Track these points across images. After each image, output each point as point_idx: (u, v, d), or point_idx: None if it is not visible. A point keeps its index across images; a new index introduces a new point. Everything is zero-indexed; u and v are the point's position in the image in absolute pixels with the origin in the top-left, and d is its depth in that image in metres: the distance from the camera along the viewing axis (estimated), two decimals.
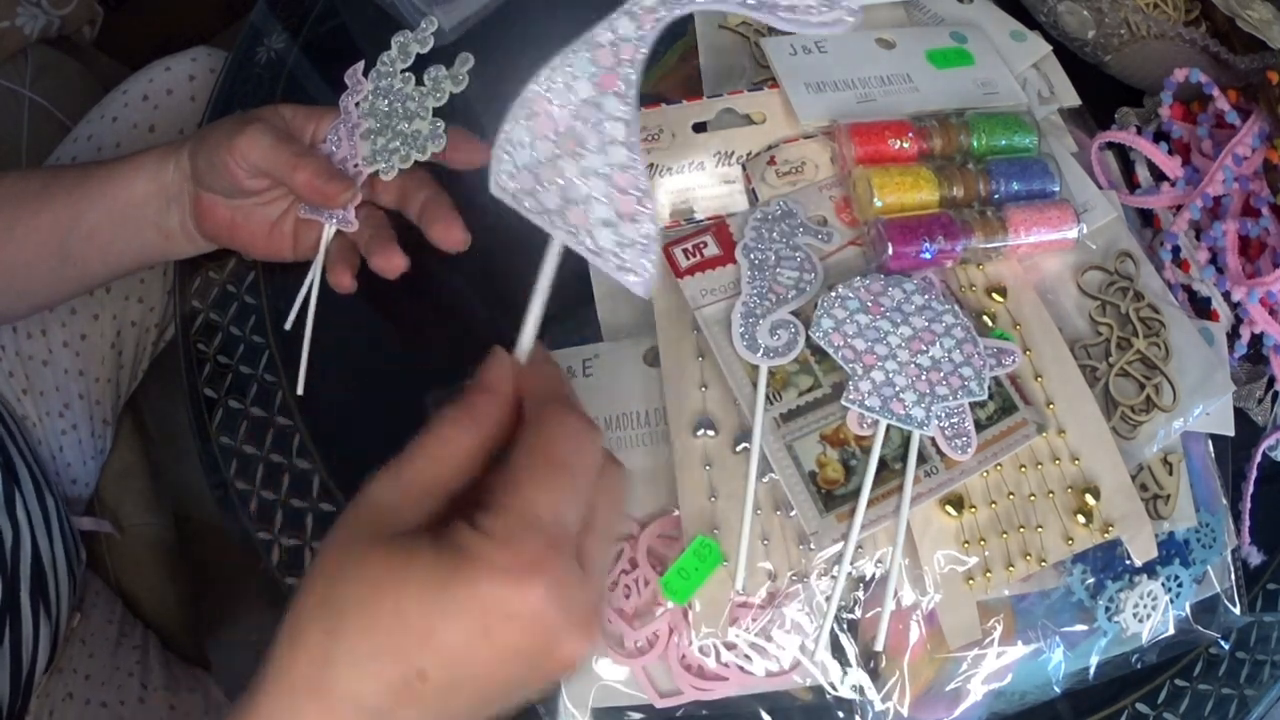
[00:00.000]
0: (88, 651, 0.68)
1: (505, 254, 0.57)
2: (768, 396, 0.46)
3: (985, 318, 0.49)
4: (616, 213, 0.38)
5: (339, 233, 0.53)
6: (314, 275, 0.53)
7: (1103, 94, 0.58)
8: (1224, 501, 0.49)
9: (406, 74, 0.52)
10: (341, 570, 0.33)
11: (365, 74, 0.53)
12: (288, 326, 0.53)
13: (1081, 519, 0.46)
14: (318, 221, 0.53)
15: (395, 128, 0.51)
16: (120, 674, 0.68)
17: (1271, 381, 0.53)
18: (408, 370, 0.55)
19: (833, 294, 0.46)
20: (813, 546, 0.45)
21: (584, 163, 0.38)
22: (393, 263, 0.51)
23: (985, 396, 0.45)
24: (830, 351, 0.45)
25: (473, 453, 0.35)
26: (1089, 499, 0.46)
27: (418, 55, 0.52)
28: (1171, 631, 0.48)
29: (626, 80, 0.38)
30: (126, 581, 0.76)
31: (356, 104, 0.52)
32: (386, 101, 0.51)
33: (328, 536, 0.35)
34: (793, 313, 0.47)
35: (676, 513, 0.46)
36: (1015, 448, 0.46)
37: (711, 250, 0.49)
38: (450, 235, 0.51)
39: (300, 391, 0.51)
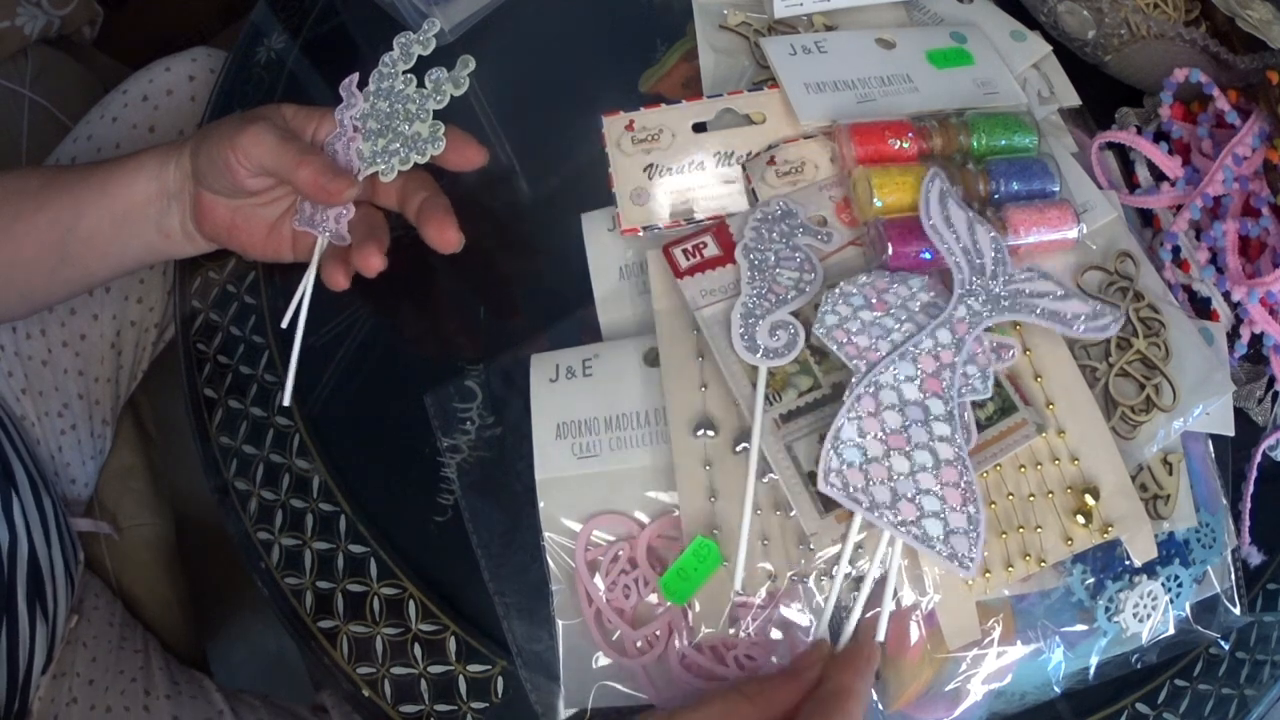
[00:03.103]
0: (90, 655, 0.68)
1: (505, 255, 0.57)
2: (767, 397, 0.46)
3: None
4: (943, 504, 0.43)
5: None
6: (307, 283, 0.52)
7: (1103, 94, 0.58)
8: (1224, 501, 0.49)
9: (408, 75, 0.52)
10: None
11: (360, 86, 0.52)
12: (284, 325, 0.53)
13: (1081, 519, 0.46)
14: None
15: (396, 129, 0.51)
16: (123, 679, 0.68)
17: (1271, 381, 0.53)
18: (407, 370, 0.55)
19: (836, 290, 0.46)
20: (813, 546, 0.45)
21: (914, 459, 0.43)
22: (370, 263, 0.51)
23: (989, 395, 0.45)
24: (833, 348, 0.45)
25: None
26: (1089, 499, 0.46)
27: (419, 56, 0.52)
28: (1171, 631, 0.48)
29: (947, 384, 0.44)
30: (126, 582, 0.76)
31: (351, 117, 0.52)
32: (388, 103, 0.51)
33: None
34: (792, 313, 0.47)
35: (676, 513, 0.46)
36: (1015, 448, 0.46)
37: (711, 251, 0.49)
38: (444, 236, 0.51)
39: (287, 402, 0.51)
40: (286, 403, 0.51)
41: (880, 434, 0.43)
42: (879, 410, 0.44)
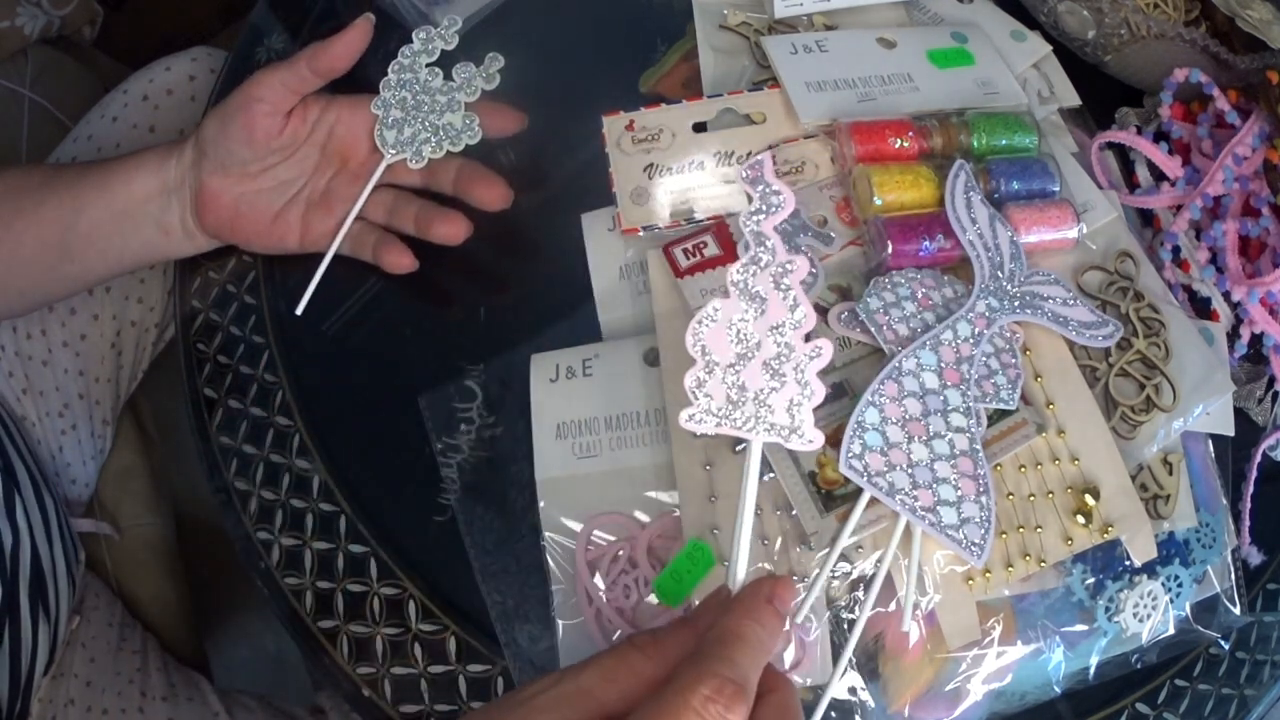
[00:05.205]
0: (88, 656, 0.68)
1: (505, 255, 0.57)
2: None
3: None
4: (959, 494, 0.44)
5: (359, 220, 0.54)
6: (341, 236, 0.54)
7: (1103, 94, 0.58)
8: (1224, 501, 0.49)
9: (433, 68, 0.53)
10: None
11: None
12: (299, 311, 0.55)
13: (1081, 519, 0.46)
14: (332, 208, 0.54)
15: (425, 119, 0.53)
16: (120, 680, 0.68)
17: (1271, 381, 0.53)
18: (407, 370, 0.55)
19: (885, 278, 0.47)
20: (812, 546, 0.45)
21: (933, 447, 0.44)
22: (401, 261, 0.53)
23: (1014, 407, 0.45)
24: (873, 330, 0.46)
25: (651, 683, 0.35)
26: (1089, 499, 0.46)
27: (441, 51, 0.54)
28: (1171, 631, 0.48)
29: (965, 376, 0.45)
30: (126, 582, 0.76)
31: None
32: (411, 93, 0.53)
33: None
34: None
35: (676, 513, 0.46)
36: (1015, 448, 0.46)
37: (711, 250, 0.49)
38: (494, 193, 0.53)
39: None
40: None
41: (901, 420, 0.44)
42: (901, 396, 0.44)
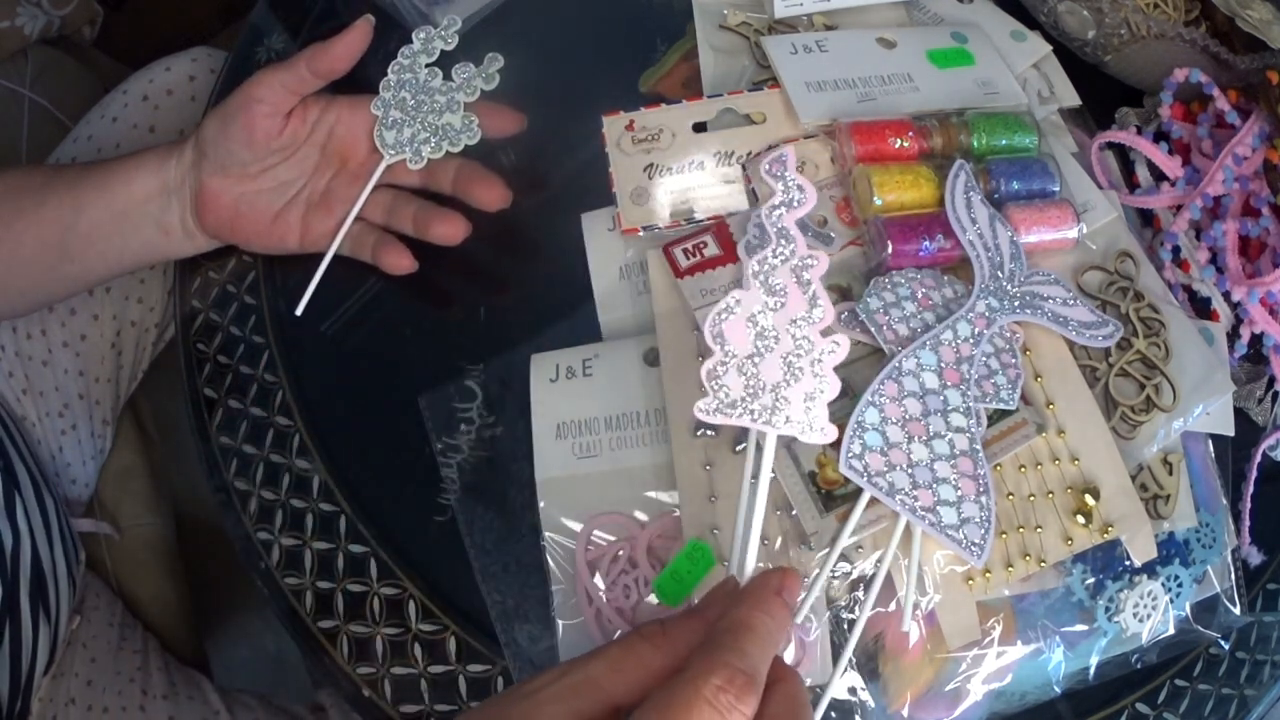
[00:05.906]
0: (89, 655, 0.68)
1: (505, 255, 0.57)
2: None
3: None
4: (959, 494, 0.44)
5: (359, 220, 0.54)
6: (336, 244, 0.54)
7: (1103, 94, 0.58)
8: (1224, 501, 0.49)
9: (432, 69, 0.53)
10: None
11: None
12: (299, 312, 0.54)
13: (1081, 519, 0.46)
14: (332, 209, 0.54)
15: (424, 120, 0.53)
16: (121, 679, 0.68)
17: (1271, 381, 0.53)
18: (407, 370, 0.55)
19: (885, 278, 0.47)
20: (812, 546, 0.45)
21: (933, 447, 0.44)
22: (400, 263, 0.53)
23: (1014, 407, 0.45)
24: (873, 330, 0.46)
25: (659, 674, 0.35)
26: (1089, 499, 0.46)
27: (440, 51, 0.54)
28: (1171, 631, 0.48)
29: (965, 376, 0.45)
30: (126, 582, 0.76)
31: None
32: (410, 94, 0.53)
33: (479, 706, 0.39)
34: None
35: (676, 513, 0.46)
36: (1015, 448, 0.46)
37: (711, 250, 0.49)
38: (493, 194, 0.53)
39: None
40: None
41: (901, 420, 0.44)
42: (901, 396, 0.44)
